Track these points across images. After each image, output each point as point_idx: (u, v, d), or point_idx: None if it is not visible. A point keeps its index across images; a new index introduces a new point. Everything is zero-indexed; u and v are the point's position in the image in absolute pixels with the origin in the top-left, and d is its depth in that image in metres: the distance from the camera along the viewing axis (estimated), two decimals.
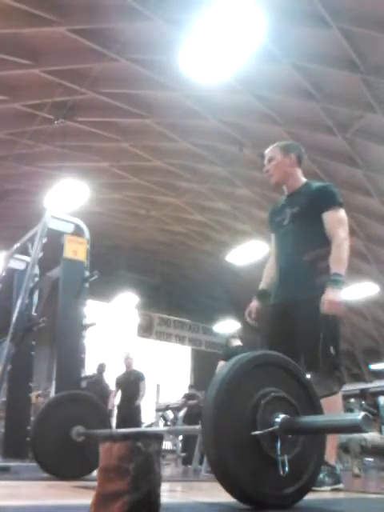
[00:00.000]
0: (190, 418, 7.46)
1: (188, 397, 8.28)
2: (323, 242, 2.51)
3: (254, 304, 2.79)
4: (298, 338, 2.51)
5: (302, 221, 2.60)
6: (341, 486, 2.66)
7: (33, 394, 5.47)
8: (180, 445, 7.98)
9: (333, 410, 2.32)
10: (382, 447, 6.20)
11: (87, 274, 4.56)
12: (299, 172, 2.77)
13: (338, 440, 6.13)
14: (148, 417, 9.94)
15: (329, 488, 2.60)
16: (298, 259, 2.55)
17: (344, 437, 6.01)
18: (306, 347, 2.43)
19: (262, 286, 2.84)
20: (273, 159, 2.75)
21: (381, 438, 6.36)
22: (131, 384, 7.41)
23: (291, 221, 2.64)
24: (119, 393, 7.63)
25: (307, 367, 2.46)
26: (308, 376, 2.29)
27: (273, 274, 2.78)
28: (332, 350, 2.38)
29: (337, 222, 2.52)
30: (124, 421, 7.15)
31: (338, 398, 2.49)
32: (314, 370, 2.44)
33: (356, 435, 5.85)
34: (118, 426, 7.12)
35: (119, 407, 7.55)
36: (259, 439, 1.66)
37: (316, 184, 2.72)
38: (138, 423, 7.22)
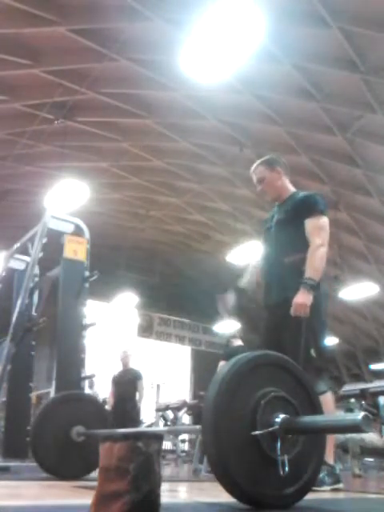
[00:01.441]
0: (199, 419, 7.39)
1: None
2: (305, 247, 2.59)
3: (229, 295, 3.07)
4: (283, 339, 2.57)
5: (285, 226, 2.72)
6: (341, 485, 2.68)
7: (33, 394, 5.46)
8: (180, 445, 7.97)
9: (325, 409, 2.33)
10: (381, 447, 6.20)
11: (87, 273, 4.56)
12: (287, 182, 2.88)
13: (336, 440, 6.16)
14: (148, 417, 9.94)
15: (329, 488, 2.60)
16: (280, 262, 2.66)
17: (342, 437, 6.00)
18: (288, 349, 2.43)
19: (241, 283, 2.98)
20: (263, 179, 2.85)
21: (380, 438, 6.35)
22: (127, 383, 7.09)
23: (275, 227, 2.78)
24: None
25: None
26: None
27: (254, 275, 2.94)
28: (313, 352, 2.42)
29: (316, 228, 2.60)
30: (118, 422, 6.41)
31: (327, 398, 2.51)
32: None
33: (355, 435, 5.85)
34: (112, 428, 6.92)
35: (114, 407, 7.03)
36: (259, 439, 1.66)
37: (303, 193, 2.83)
38: (136, 424, 7.00)
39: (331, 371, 16.50)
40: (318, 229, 2.60)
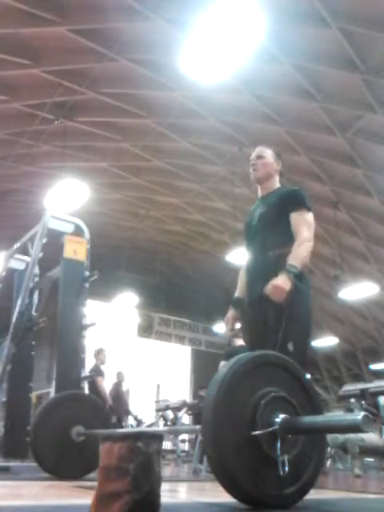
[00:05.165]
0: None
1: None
2: (289, 241, 2.52)
3: (230, 313, 2.82)
4: (266, 332, 2.45)
5: (269, 220, 2.65)
6: None
7: (33, 394, 5.46)
8: (180, 445, 7.97)
9: None
10: (381, 447, 6.19)
11: (87, 273, 4.56)
12: (278, 179, 2.85)
13: (336, 440, 6.16)
14: (148, 417, 9.94)
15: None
16: (264, 256, 2.59)
17: (341, 437, 6.00)
18: (270, 341, 2.36)
19: (237, 294, 2.86)
20: (263, 157, 2.83)
21: (380, 438, 6.34)
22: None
23: (259, 221, 2.70)
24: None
25: None
26: None
27: (244, 279, 2.82)
28: (290, 346, 2.32)
29: (303, 222, 2.55)
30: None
31: None
32: None
33: (354, 435, 5.84)
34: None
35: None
36: (259, 439, 1.66)
37: (288, 187, 2.81)
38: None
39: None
40: (307, 223, 2.55)
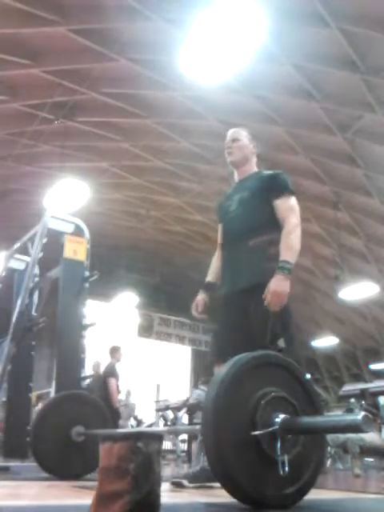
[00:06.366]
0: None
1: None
2: (272, 227, 2.42)
3: (200, 297, 2.71)
4: (247, 326, 2.33)
5: (249, 205, 2.51)
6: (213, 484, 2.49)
7: (33, 394, 5.46)
8: (180, 445, 7.98)
9: None
10: (381, 447, 6.20)
11: (87, 274, 4.56)
12: (255, 161, 2.74)
13: (336, 440, 6.16)
14: (148, 417, 9.95)
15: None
16: (245, 245, 2.44)
17: (341, 437, 6.00)
18: (257, 336, 2.25)
19: (208, 278, 2.73)
20: (238, 140, 2.73)
21: (380, 438, 6.35)
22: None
23: (238, 206, 2.55)
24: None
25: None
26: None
27: (219, 265, 2.67)
28: (281, 343, 2.18)
29: (289, 208, 2.43)
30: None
31: None
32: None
33: (353, 435, 5.84)
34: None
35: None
36: (259, 439, 1.66)
37: (268, 171, 2.65)
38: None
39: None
40: (292, 209, 2.43)
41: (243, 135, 2.76)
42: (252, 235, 2.43)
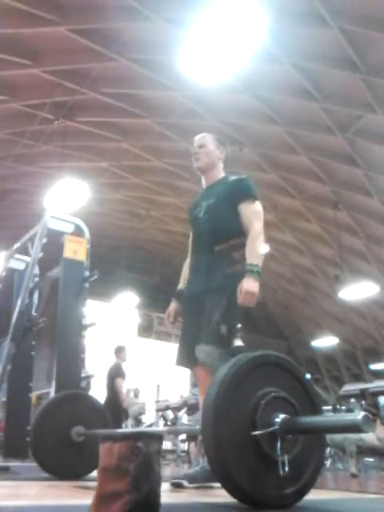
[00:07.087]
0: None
1: None
2: (238, 232, 2.48)
3: (172, 306, 2.73)
4: (201, 323, 2.40)
5: (216, 212, 2.56)
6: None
7: (33, 394, 5.45)
8: (180, 445, 7.97)
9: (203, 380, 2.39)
10: (380, 447, 6.19)
11: (87, 273, 4.55)
12: (222, 167, 2.77)
13: (336, 440, 6.15)
14: (148, 417, 9.94)
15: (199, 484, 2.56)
16: (210, 250, 2.51)
17: (339, 436, 5.99)
18: (203, 328, 2.35)
19: (180, 286, 2.77)
20: (204, 146, 2.77)
21: (378, 438, 6.34)
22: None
23: (206, 212, 2.61)
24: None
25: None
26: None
27: (188, 272, 2.72)
28: (223, 329, 2.30)
29: (253, 213, 2.48)
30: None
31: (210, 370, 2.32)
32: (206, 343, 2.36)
33: (352, 435, 5.84)
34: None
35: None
36: (259, 439, 1.66)
37: (233, 177, 2.69)
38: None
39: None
40: (257, 214, 2.48)
41: (209, 141, 2.80)
42: (218, 241, 2.50)
